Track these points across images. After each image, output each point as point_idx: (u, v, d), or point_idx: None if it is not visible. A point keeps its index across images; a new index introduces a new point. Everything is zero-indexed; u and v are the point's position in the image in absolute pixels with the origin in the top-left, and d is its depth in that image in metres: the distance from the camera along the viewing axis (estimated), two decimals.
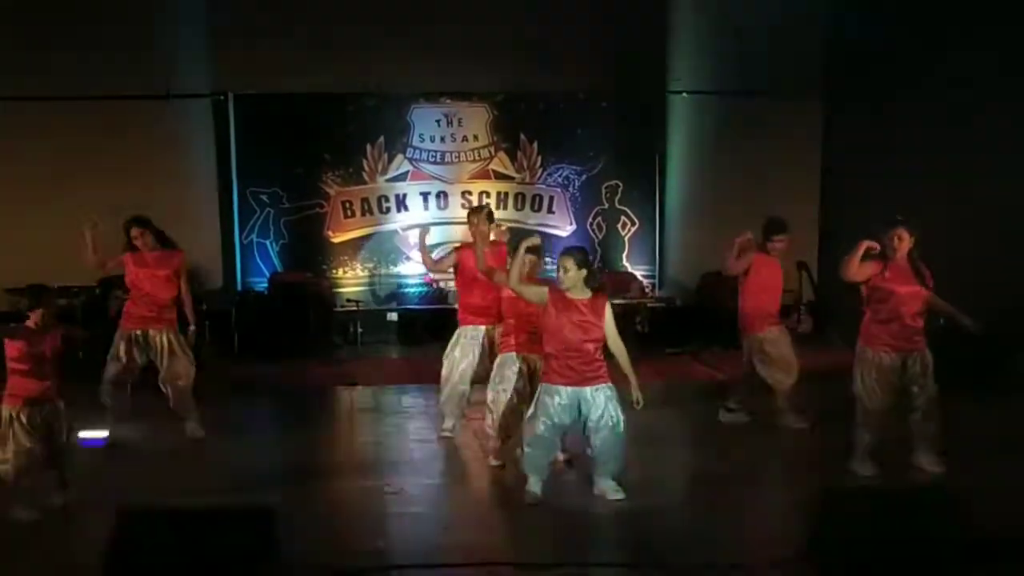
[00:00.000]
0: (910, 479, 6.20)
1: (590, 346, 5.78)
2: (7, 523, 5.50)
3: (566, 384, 5.76)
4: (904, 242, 6.26)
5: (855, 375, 6.37)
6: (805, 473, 6.54)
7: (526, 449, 5.94)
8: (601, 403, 5.78)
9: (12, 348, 5.62)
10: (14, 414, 5.57)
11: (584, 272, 5.79)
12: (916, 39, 10.74)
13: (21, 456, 5.55)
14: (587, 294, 5.81)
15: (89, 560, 4.54)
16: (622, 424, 5.82)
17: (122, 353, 7.26)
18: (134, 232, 7.26)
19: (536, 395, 5.94)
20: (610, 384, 5.83)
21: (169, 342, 7.31)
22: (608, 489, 5.94)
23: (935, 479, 6.17)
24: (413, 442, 7.49)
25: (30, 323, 5.67)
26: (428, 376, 10.01)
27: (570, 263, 5.75)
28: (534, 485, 5.91)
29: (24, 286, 5.94)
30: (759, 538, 5.32)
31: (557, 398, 5.77)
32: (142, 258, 7.30)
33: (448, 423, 7.44)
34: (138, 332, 7.30)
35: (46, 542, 5.35)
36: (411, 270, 12.44)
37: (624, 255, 12.64)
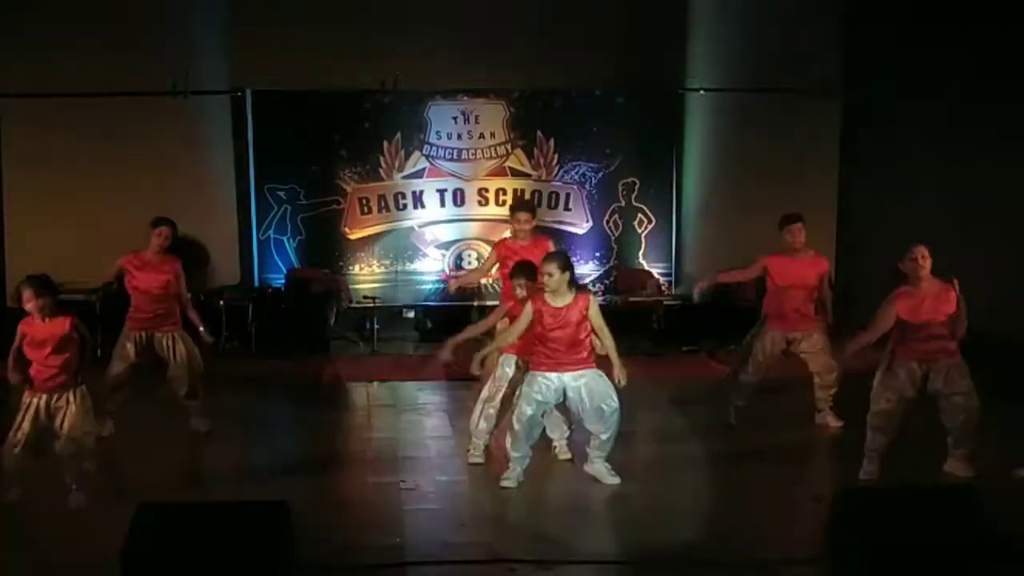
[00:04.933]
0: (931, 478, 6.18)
1: (578, 339, 6.11)
2: (17, 518, 5.53)
3: (551, 371, 6.09)
4: None
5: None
6: (821, 471, 6.52)
7: (515, 427, 6.20)
8: (586, 386, 6.07)
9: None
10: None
11: (567, 275, 6.08)
12: (937, 36, 10.67)
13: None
14: (569, 297, 6.07)
15: (99, 556, 4.57)
16: (614, 403, 6.09)
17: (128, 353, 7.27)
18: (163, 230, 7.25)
19: (525, 381, 6.24)
20: (595, 369, 6.13)
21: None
22: (603, 472, 6.20)
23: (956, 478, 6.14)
24: (429, 438, 7.51)
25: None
26: (443, 372, 10.06)
27: (553, 267, 6.06)
28: (518, 465, 6.21)
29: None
30: (773, 536, 5.30)
31: (543, 380, 6.09)
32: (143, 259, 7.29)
33: None
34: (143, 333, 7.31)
35: (57, 538, 5.38)
36: (428, 267, 12.46)
37: (640, 253, 12.61)
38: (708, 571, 4.83)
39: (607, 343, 6.23)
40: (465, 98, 12.40)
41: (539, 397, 6.13)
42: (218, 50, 12.01)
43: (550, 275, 6.05)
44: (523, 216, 7.34)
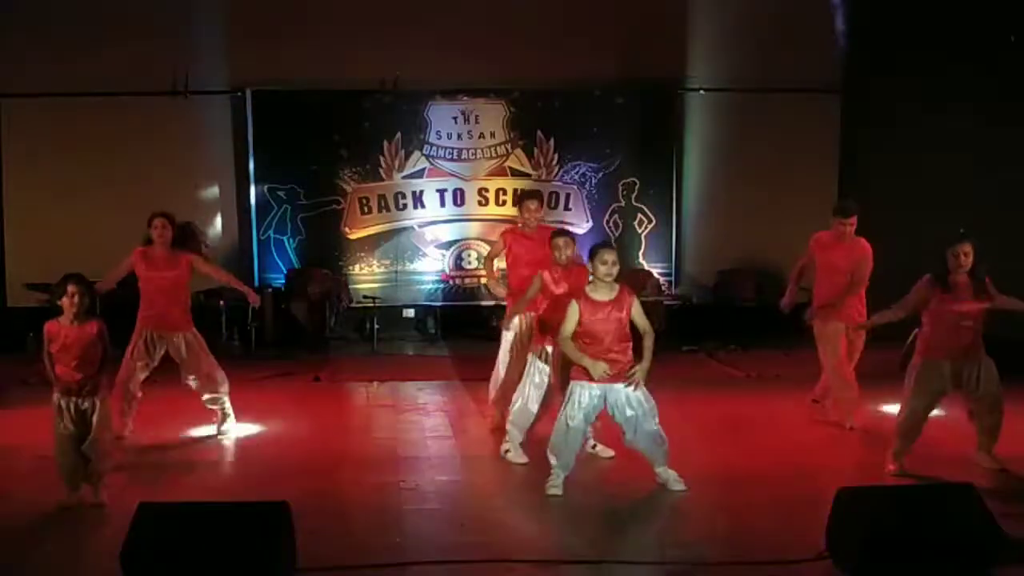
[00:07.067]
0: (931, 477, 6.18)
1: (620, 344, 5.83)
2: (23, 519, 5.55)
3: (593, 381, 5.80)
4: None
5: None
6: (819, 471, 6.52)
7: (554, 440, 5.98)
8: (631, 397, 5.82)
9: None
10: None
11: (618, 267, 5.83)
12: (937, 36, 10.67)
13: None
14: (614, 292, 5.83)
15: (103, 557, 4.58)
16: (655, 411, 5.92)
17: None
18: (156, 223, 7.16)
19: (568, 391, 5.96)
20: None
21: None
22: (670, 479, 6.00)
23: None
24: (429, 438, 7.50)
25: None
26: (443, 372, 10.08)
27: (614, 256, 5.77)
28: (559, 477, 5.97)
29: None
30: (773, 536, 5.29)
31: (589, 392, 5.83)
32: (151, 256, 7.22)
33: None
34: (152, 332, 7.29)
35: (61, 539, 5.38)
36: (428, 267, 12.46)
37: (640, 253, 12.61)
38: (708, 571, 4.83)
39: (648, 342, 5.93)
40: (465, 98, 12.40)
41: (582, 415, 5.86)
42: (218, 50, 12.02)
43: (615, 263, 5.75)
44: (532, 205, 7.33)
